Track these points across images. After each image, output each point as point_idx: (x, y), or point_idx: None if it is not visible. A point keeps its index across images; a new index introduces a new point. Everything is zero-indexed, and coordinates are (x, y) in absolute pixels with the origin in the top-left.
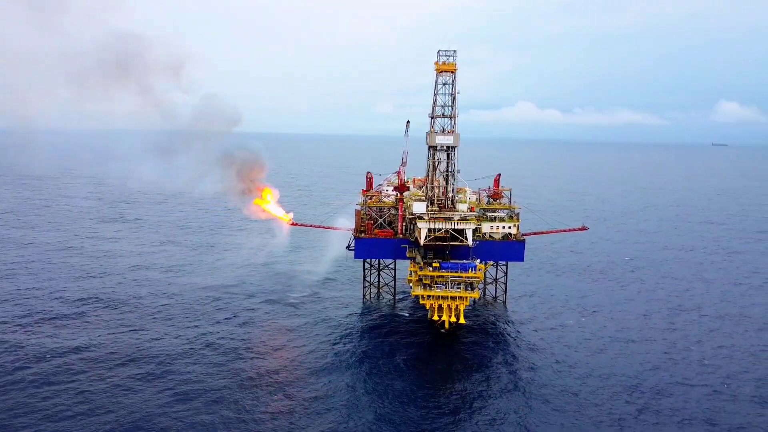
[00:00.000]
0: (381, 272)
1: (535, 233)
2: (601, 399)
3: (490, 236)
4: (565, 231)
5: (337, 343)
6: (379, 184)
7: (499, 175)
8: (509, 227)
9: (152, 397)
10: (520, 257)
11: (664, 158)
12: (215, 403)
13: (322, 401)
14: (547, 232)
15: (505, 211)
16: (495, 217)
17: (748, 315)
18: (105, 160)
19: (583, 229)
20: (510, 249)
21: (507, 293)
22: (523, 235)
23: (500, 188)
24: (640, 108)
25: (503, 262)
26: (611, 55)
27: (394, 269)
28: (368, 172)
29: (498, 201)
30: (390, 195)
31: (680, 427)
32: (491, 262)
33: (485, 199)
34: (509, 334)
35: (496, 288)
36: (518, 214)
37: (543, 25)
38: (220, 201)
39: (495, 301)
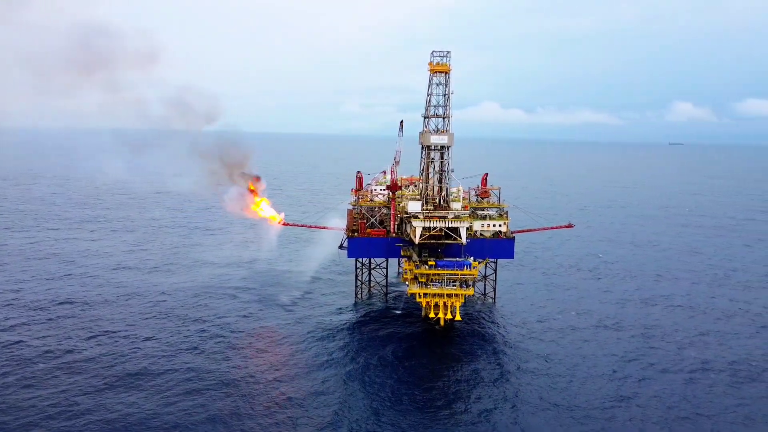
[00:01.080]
0: (372, 271)
1: (523, 231)
2: (590, 388)
3: (480, 234)
4: (552, 228)
5: (331, 341)
6: (368, 184)
7: (487, 174)
8: (499, 225)
9: (144, 400)
10: (510, 254)
11: (630, 157)
12: (209, 403)
13: (316, 399)
14: (535, 230)
15: (494, 209)
16: (486, 216)
17: (714, 306)
18: (75, 160)
19: (569, 226)
20: (500, 246)
21: (496, 290)
22: (512, 232)
23: (488, 187)
24: (598, 108)
25: (492, 260)
26: (571, 56)
27: (386, 268)
28: (358, 172)
29: (486, 200)
30: (381, 194)
31: (665, 412)
32: (486, 260)
33: (474, 198)
34: (499, 330)
35: (485, 285)
36: (507, 212)
37: (506, 26)
38: (203, 201)
39: (485, 297)
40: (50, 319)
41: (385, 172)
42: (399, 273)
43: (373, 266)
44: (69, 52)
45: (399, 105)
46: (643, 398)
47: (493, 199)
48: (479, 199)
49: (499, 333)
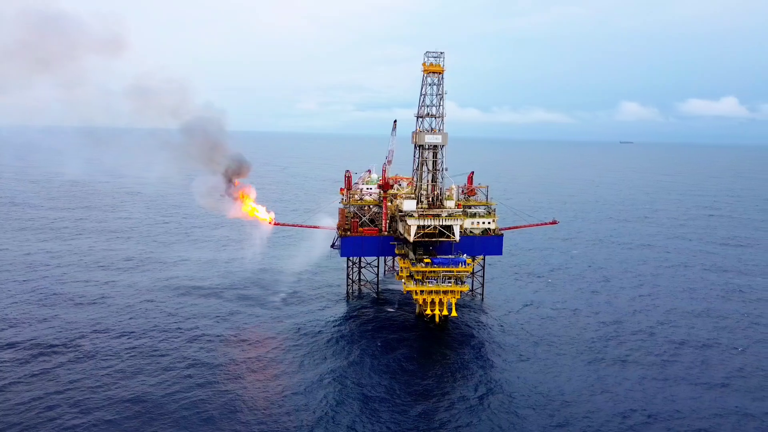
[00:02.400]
0: (362, 269)
1: (510, 228)
2: (574, 378)
3: (470, 231)
4: (537, 225)
5: (324, 339)
6: (355, 183)
7: (473, 172)
8: (489, 222)
9: (141, 396)
10: (498, 251)
11: (588, 155)
12: (199, 402)
13: (309, 396)
14: (521, 227)
15: (483, 207)
16: (475, 213)
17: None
18: (32, 159)
19: (554, 223)
20: (489, 243)
21: (484, 285)
22: (500, 229)
23: (474, 185)
24: (551, 107)
25: (480, 256)
26: (524, 57)
27: (377, 266)
28: (347, 171)
29: (472, 198)
30: (373, 193)
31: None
32: (480, 257)
33: (461, 196)
34: (490, 326)
35: (473, 281)
36: (494, 209)
37: (462, 26)
38: (191, 202)
39: (473, 294)
40: (38, 320)
41: (370, 171)
42: (385, 271)
43: (363, 264)
44: (19, 43)
45: (357, 103)
46: (624, 386)
47: (480, 197)
48: (466, 197)
49: (490, 329)
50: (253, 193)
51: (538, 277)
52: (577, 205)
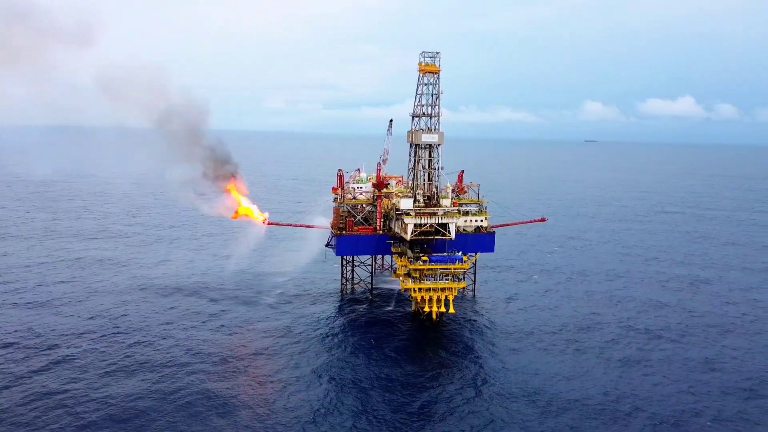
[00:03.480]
0: (355, 268)
1: (501, 225)
2: (560, 372)
3: (463, 229)
4: (527, 222)
5: (318, 338)
6: (346, 182)
7: (463, 171)
8: (481, 220)
9: (134, 400)
10: (490, 248)
11: (558, 153)
12: (198, 405)
13: (310, 393)
14: (511, 224)
15: (474, 205)
16: (468, 211)
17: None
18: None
19: (543, 220)
20: (481, 241)
21: (476, 282)
22: (492, 227)
23: (464, 184)
24: (518, 106)
25: (476, 254)
26: (491, 56)
27: (372, 264)
28: (339, 170)
29: (463, 196)
30: (364, 191)
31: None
32: (477, 254)
33: (451, 195)
34: (483, 323)
35: (464, 279)
36: (486, 207)
37: (430, 26)
38: (175, 201)
39: (465, 290)
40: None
41: (359, 170)
42: (376, 269)
43: (356, 263)
44: None
45: (325, 102)
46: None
47: (472, 195)
48: (457, 195)
49: (483, 324)
50: (243, 187)
51: (525, 272)
52: (562, 203)
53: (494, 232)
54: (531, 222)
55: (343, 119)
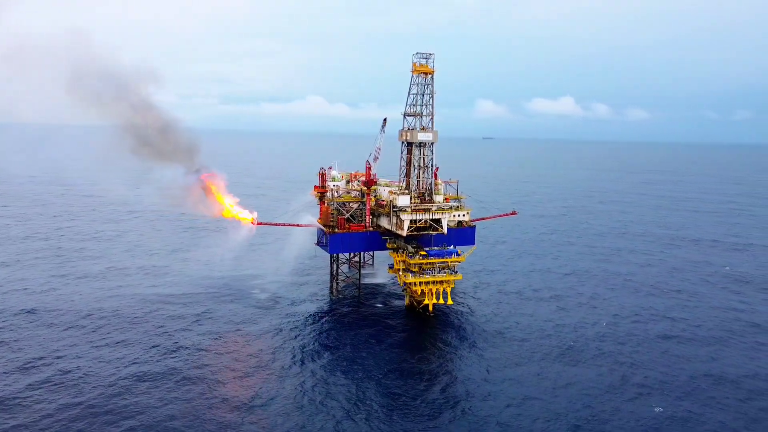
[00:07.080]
0: (343, 265)
1: (478, 219)
2: (546, 355)
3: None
4: (499, 216)
5: (310, 336)
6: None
7: (437, 168)
8: (463, 215)
9: (126, 405)
10: (471, 241)
11: (465, 149)
12: (193, 407)
13: (308, 391)
14: (486, 218)
15: (455, 200)
16: (451, 207)
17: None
18: None
19: (513, 213)
20: (463, 234)
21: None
22: (471, 221)
23: (439, 180)
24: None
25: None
26: (388, 53)
27: (360, 261)
28: (321, 168)
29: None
30: (341, 189)
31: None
32: (473, 247)
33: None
34: (472, 315)
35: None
36: (463, 203)
37: (329, 21)
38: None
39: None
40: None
41: (331, 167)
42: (363, 265)
43: (344, 261)
44: None
45: (222, 96)
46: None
47: (450, 191)
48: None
49: (473, 315)
50: (221, 184)
51: (503, 264)
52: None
53: (474, 226)
54: (503, 216)
55: (241, 115)
